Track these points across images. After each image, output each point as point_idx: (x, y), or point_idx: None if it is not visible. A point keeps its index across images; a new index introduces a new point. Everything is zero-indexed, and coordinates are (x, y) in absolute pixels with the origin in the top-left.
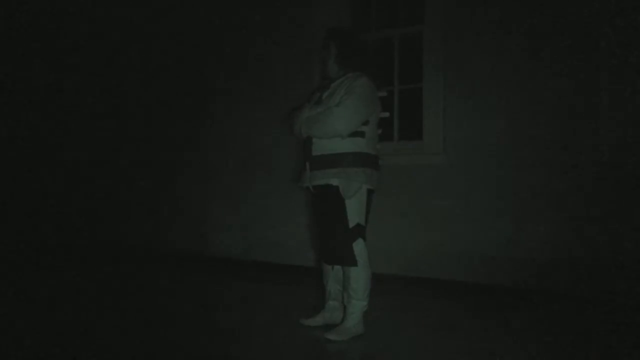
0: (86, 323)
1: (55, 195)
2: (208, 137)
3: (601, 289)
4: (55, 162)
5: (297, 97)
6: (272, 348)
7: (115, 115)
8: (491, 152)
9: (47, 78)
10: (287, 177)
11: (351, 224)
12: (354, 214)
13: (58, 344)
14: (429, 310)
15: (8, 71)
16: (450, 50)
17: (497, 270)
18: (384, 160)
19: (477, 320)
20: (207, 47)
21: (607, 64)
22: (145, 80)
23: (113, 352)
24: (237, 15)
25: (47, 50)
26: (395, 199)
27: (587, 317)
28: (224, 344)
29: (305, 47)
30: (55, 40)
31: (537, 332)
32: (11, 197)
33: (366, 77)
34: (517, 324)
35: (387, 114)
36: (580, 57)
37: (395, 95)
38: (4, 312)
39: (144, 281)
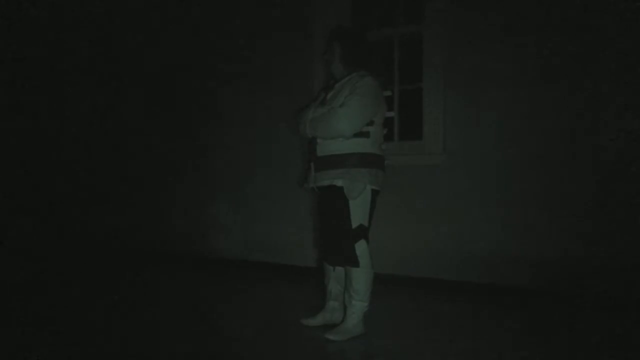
0: (85, 323)
1: (55, 195)
2: (209, 137)
3: (601, 289)
4: (55, 161)
5: (297, 97)
6: (272, 348)
7: (116, 115)
8: (491, 152)
9: (47, 76)
10: (288, 177)
11: (354, 225)
12: (358, 214)
13: (56, 344)
14: (428, 310)
15: (8, 70)
16: (450, 50)
17: (497, 270)
18: (390, 160)
19: (476, 320)
20: (208, 48)
21: (607, 64)
22: (146, 80)
23: (112, 352)
24: (237, 15)
25: (49, 49)
26: (395, 199)
27: (587, 317)
28: (224, 344)
29: (306, 47)
30: (57, 39)
31: (537, 332)
32: (11, 198)
33: (371, 77)
34: (517, 324)
35: (392, 114)
36: (580, 57)
37: (395, 95)
38: (4, 311)
39: (144, 281)
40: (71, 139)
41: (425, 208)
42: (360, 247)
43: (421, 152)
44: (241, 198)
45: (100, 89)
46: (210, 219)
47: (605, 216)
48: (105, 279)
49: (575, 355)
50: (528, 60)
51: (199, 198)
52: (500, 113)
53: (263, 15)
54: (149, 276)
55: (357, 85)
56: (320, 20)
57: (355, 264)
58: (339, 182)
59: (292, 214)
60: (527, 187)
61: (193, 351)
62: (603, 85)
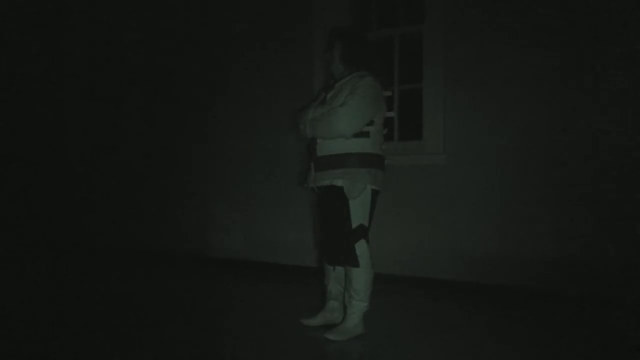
0: (86, 323)
1: (56, 195)
2: (209, 137)
3: (601, 289)
4: (56, 162)
5: (298, 97)
6: (272, 348)
7: (117, 115)
8: (491, 152)
9: (47, 76)
10: (288, 177)
11: (354, 225)
12: (358, 214)
13: (56, 344)
14: (428, 310)
15: (8, 70)
16: (450, 50)
17: (497, 270)
18: (390, 160)
19: (477, 320)
20: (208, 48)
21: (608, 64)
22: (146, 80)
23: (113, 352)
24: (237, 15)
25: (48, 49)
26: (396, 198)
27: (587, 317)
28: (224, 344)
29: (306, 47)
30: (57, 38)
31: (537, 332)
32: (11, 197)
33: (371, 77)
34: (517, 324)
35: (392, 114)
36: (581, 57)
37: (395, 95)
38: (4, 310)
39: (145, 281)
40: (71, 139)
41: (425, 208)
42: (360, 247)
43: (421, 152)
44: (241, 198)
45: (100, 90)
46: (211, 218)
47: (605, 216)
48: (106, 278)
49: (575, 355)
50: (528, 60)
51: (199, 198)
52: (500, 113)
53: (263, 15)
54: (148, 276)
55: (358, 85)
56: (321, 20)
57: (355, 264)
58: (339, 182)
59: (292, 213)
60: (527, 187)
61: (192, 351)
62: (604, 85)
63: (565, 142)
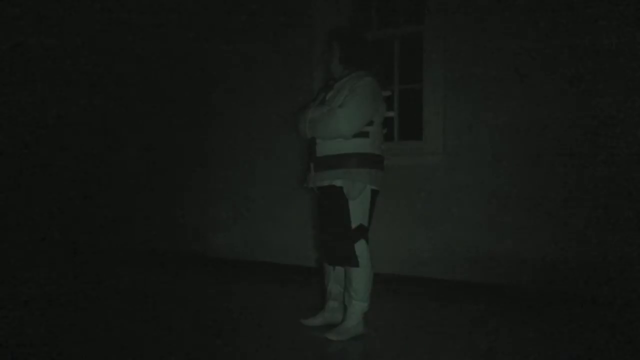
0: (86, 323)
1: (56, 196)
2: (209, 137)
3: (601, 289)
4: (56, 162)
5: (297, 98)
6: (272, 348)
7: (116, 115)
8: (491, 152)
9: (46, 75)
10: (288, 177)
11: (354, 225)
12: (357, 214)
13: (56, 344)
14: (429, 311)
15: (7, 69)
16: (450, 50)
17: (497, 270)
18: (390, 160)
19: (477, 320)
20: (207, 48)
21: (608, 64)
22: (146, 80)
23: (113, 353)
24: (237, 15)
25: (47, 47)
26: (395, 199)
27: (587, 317)
28: (224, 344)
29: (305, 47)
30: (56, 38)
31: (536, 332)
32: (12, 198)
33: (370, 77)
34: (517, 324)
35: (392, 114)
36: (581, 57)
37: (395, 95)
38: (5, 309)
39: (144, 282)
40: (71, 139)
41: (425, 208)
42: (360, 247)
43: (421, 152)
44: (241, 198)
45: (100, 90)
46: (211, 218)
47: (604, 217)
48: (105, 278)
49: (575, 355)
50: (529, 60)
51: (199, 198)
52: (499, 113)
53: (263, 15)
54: (148, 276)
55: (357, 86)
56: (321, 20)
57: (355, 264)
58: (338, 182)
59: (292, 214)
60: (526, 187)
61: (192, 350)
62: (603, 86)
63: (565, 142)
